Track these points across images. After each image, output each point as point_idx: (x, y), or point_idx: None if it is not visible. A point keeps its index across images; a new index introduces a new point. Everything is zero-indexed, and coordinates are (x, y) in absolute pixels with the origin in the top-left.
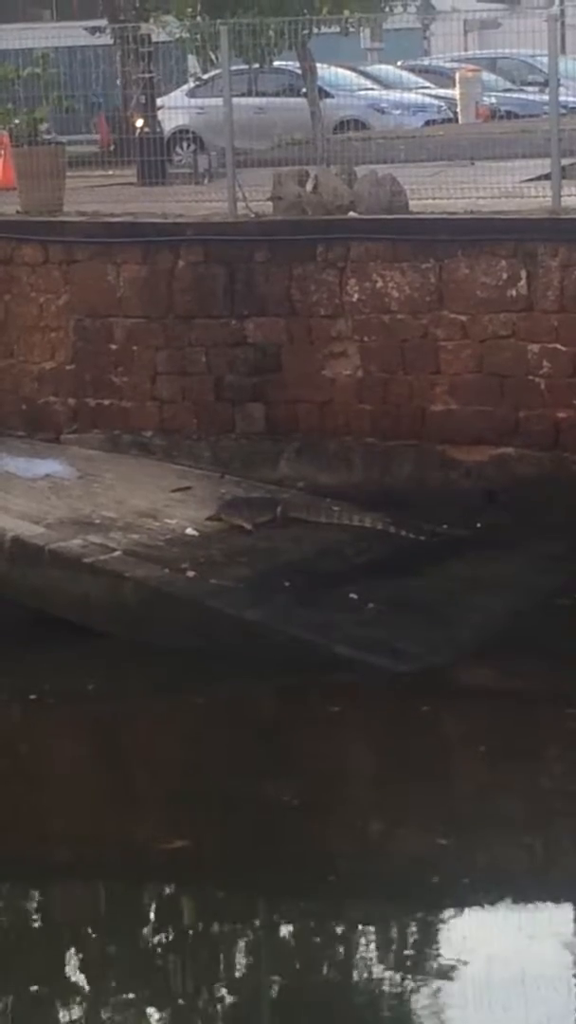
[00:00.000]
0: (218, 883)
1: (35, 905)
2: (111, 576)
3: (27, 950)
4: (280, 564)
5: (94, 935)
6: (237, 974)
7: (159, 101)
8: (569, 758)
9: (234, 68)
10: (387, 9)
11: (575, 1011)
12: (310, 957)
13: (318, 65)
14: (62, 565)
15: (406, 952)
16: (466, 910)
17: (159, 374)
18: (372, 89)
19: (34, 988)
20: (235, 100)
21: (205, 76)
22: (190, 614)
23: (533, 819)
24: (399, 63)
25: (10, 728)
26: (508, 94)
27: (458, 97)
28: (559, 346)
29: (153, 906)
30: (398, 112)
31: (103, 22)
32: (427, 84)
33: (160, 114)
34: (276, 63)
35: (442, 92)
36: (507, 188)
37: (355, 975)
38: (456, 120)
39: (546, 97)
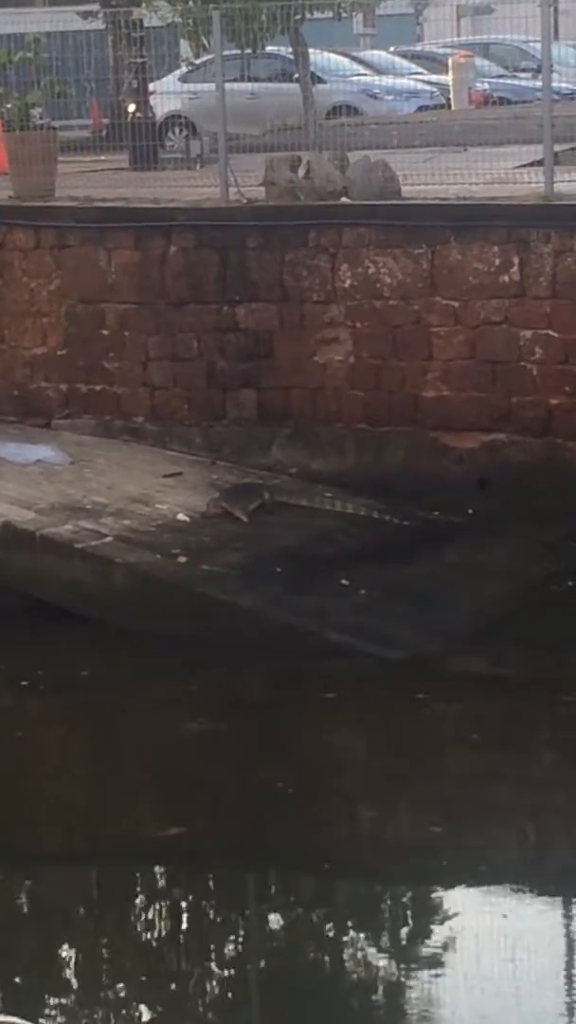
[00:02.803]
0: (214, 870)
1: (31, 893)
2: (102, 562)
3: (23, 937)
4: (272, 550)
5: (90, 923)
6: (233, 960)
7: (151, 86)
8: (562, 745)
9: (226, 53)
10: None
11: (566, 996)
12: (305, 943)
13: (310, 50)
14: (53, 550)
15: (400, 938)
16: (459, 897)
17: (151, 360)
18: (365, 75)
19: (30, 974)
20: (227, 85)
21: (197, 61)
22: (182, 600)
23: (526, 806)
24: (392, 49)
25: (2, 715)
26: (501, 80)
27: (451, 83)
28: (551, 332)
29: (150, 893)
30: (391, 98)
31: (95, 7)
32: (420, 70)
33: (152, 99)
34: (268, 48)
35: (435, 78)
36: (500, 174)
37: (350, 961)
38: (449, 106)
39: (539, 83)
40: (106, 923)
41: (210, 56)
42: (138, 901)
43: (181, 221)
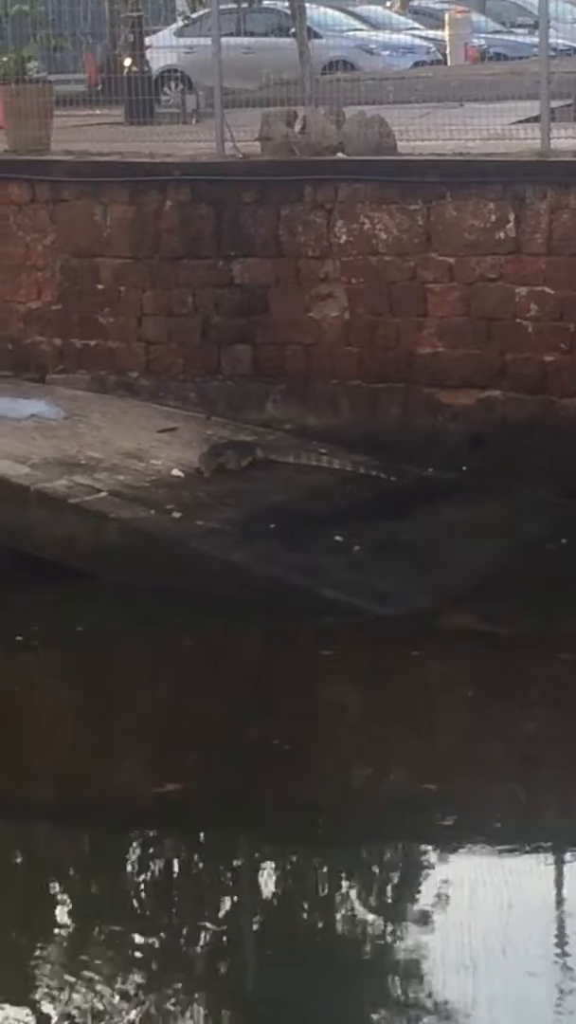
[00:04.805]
0: (210, 827)
1: (27, 850)
2: (96, 517)
3: (18, 893)
4: (266, 506)
5: (87, 880)
6: (228, 917)
7: (147, 40)
8: (556, 702)
9: (223, 7)
10: None
11: (556, 954)
12: (300, 900)
13: (307, 5)
14: (48, 505)
15: (394, 895)
16: (453, 854)
17: (145, 315)
18: (361, 30)
19: (24, 929)
20: (223, 40)
21: (194, 15)
22: (176, 556)
23: (520, 763)
24: (388, 4)
25: None
26: (498, 36)
27: (447, 38)
28: (547, 289)
29: (147, 850)
30: (387, 53)
31: None
32: (416, 25)
33: (148, 53)
34: (265, 3)
35: (431, 33)
36: (496, 130)
37: (344, 918)
38: (445, 62)
39: (535, 39)
40: (104, 879)
41: (206, 10)
42: (135, 857)
43: (176, 176)
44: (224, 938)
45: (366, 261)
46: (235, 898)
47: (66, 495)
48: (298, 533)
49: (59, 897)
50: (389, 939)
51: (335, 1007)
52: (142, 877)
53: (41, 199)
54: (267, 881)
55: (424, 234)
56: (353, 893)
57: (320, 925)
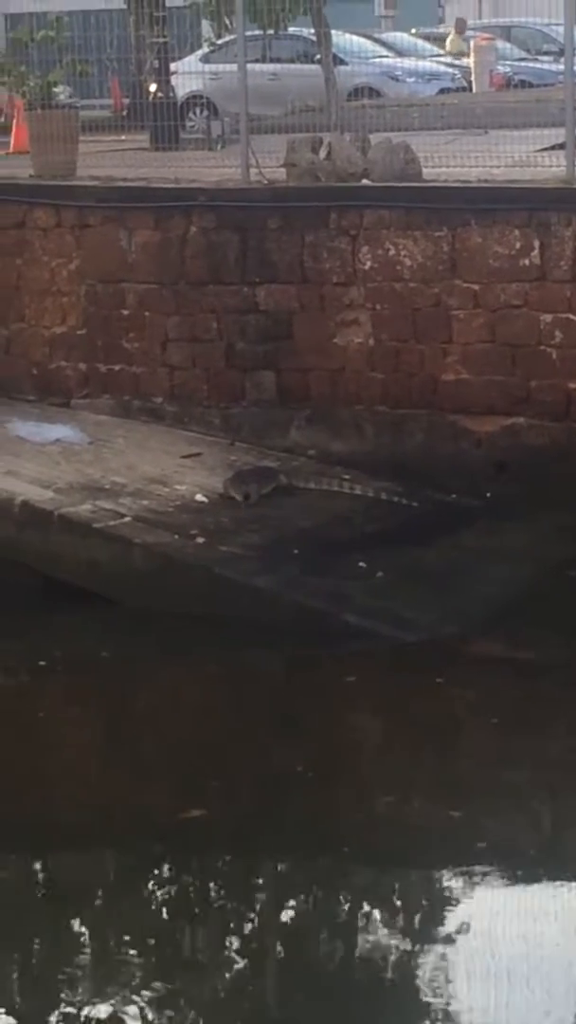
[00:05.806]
0: (234, 853)
1: (51, 876)
2: (120, 542)
3: (44, 920)
4: (290, 532)
5: (112, 905)
6: (252, 942)
7: (173, 66)
8: None
9: (248, 34)
10: None
11: None
12: (325, 927)
13: (332, 32)
14: (72, 530)
15: (417, 923)
16: (477, 882)
17: (170, 340)
18: (386, 56)
19: (52, 955)
20: (249, 66)
21: (219, 41)
22: (199, 581)
23: (544, 791)
24: (413, 31)
25: (20, 696)
26: (523, 63)
27: (472, 65)
28: (571, 316)
29: (172, 876)
30: (412, 80)
31: None
32: (441, 52)
33: (174, 79)
34: (291, 29)
35: (456, 60)
36: (521, 157)
37: (367, 945)
38: (470, 89)
39: (561, 66)
40: (129, 903)
41: (232, 36)
42: (160, 882)
43: (202, 201)
44: (247, 963)
45: (391, 287)
46: (259, 924)
47: (90, 520)
48: (321, 559)
49: (84, 921)
50: (414, 968)
51: None
52: (166, 902)
53: (66, 224)
54: (291, 907)
55: (449, 260)
56: (377, 921)
57: (344, 953)
